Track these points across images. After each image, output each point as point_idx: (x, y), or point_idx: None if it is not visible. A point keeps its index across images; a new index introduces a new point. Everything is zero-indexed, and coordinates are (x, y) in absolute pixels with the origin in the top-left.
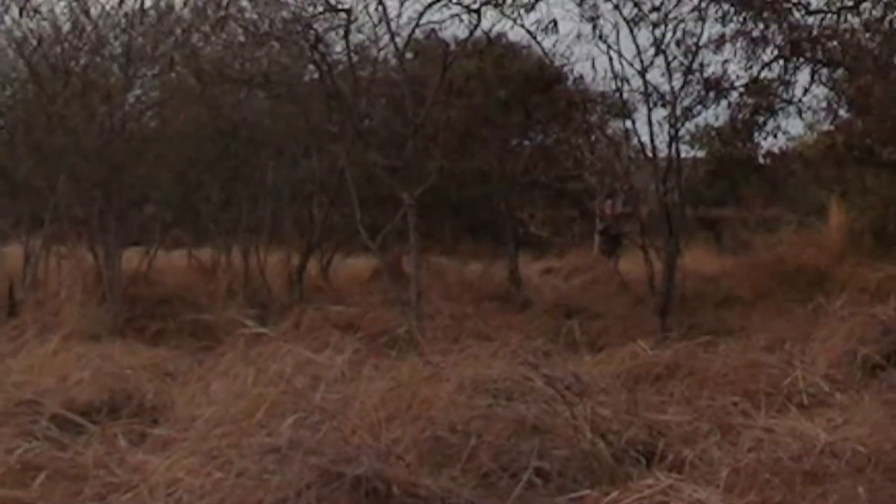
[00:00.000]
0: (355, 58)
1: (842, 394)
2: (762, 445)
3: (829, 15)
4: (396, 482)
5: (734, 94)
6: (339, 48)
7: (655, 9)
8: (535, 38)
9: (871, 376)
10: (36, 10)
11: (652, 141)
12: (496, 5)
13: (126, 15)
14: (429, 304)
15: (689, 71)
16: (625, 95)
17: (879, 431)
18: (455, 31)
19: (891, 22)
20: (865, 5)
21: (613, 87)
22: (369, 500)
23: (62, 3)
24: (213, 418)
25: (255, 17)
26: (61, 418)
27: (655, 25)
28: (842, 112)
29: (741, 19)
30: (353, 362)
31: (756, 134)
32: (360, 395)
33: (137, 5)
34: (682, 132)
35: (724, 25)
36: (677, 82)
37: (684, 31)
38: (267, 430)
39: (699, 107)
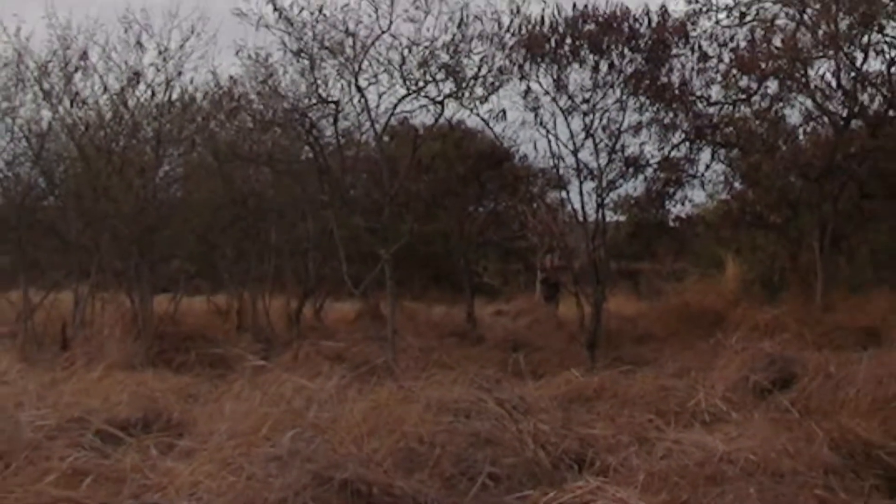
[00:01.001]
0: (342, 140)
1: (736, 413)
2: (672, 454)
3: (726, 106)
4: (376, 484)
5: (649, 170)
6: (329, 133)
7: (585, 101)
8: (487, 124)
9: (760, 398)
10: (84, 102)
11: (583, 207)
12: (456, 98)
13: (157, 105)
14: (402, 340)
15: (612, 151)
16: (561, 171)
17: (767, 443)
18: (423, 118)
19: (775, 112)
20: (755, 98)
21: (551, 163)
22: (354, 499)
23: (104, 96)
24: (227, 432)
25: (260, 107)
26: (104, 432)
27: (585, 114)
28: (736, 184)
29: (655, 109)
30: (341, 387)
31: (667, 202)
32: (346, 414)
33: (166, 98)
34: (607, 201)
35: (640, 114)
36: (603, 160)
37: (609, 119)
38: (271, 442)
39: (621, 180)
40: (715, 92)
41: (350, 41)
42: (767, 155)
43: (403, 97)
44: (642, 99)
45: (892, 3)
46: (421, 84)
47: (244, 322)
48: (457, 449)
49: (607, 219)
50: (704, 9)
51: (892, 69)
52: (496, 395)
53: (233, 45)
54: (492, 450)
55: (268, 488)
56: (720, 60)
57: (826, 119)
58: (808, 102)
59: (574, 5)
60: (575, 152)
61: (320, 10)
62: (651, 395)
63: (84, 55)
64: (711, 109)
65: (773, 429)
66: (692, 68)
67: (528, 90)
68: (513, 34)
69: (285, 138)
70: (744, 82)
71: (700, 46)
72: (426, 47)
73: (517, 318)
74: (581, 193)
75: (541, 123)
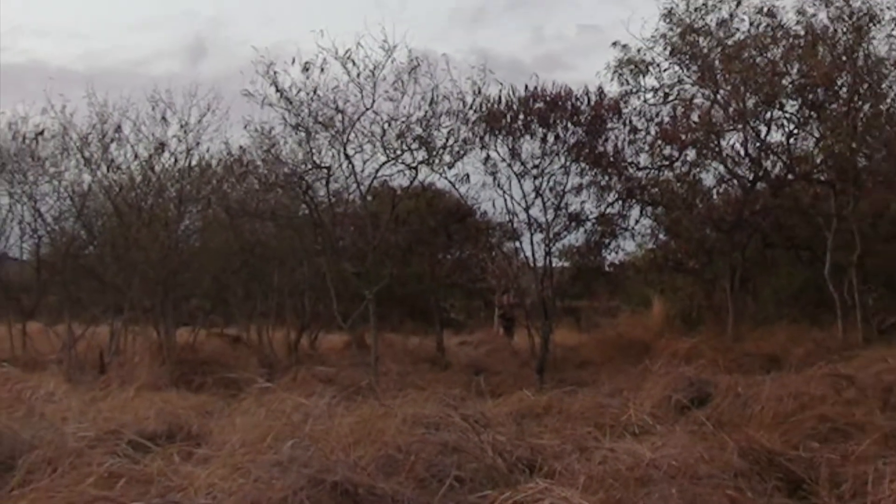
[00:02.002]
0: (333, 199)
1: (661, 426)
2: (607, 460)
3: (652, 170)
4: (361, 486)
5: (588, 224)
6: (322, 193)
7: (535, 166)
8: (454, 186)
9: (680, 414)
10: (118, 167)
11: (533, 255)
12: (428, 164)
13: (179, 170)
14: (383, 365)
15: (558, 208)
16: (515, 225)
17: (686, 451)
18: (400, 181)
19: (693, 175)
20: (676, 164)
21: (507, 218)
22: (343, 499)
23: (135, 162)
24: (238, 442)
25: (265, 171)
26: (135, 442)
27: (535, 177)
28: (661, 236)
29: (593, 173)
30: (331, 405)
31: (603, 250)
32: (335, 427)
33: (186, 164)
34: (553, 249)
35: (581, 177)
36: (550, 216)
37: (555, 181)
38: (273, 450)
39: (565, 232)
40: (643, 159)
41: (339, 117)
42: (687, 211)
43: (384, 163)
44: (583, 165)
45: (790, 86)
46: (398, 152)
47: (251, 351)
48: (428, 456)
49: (554, 264)
50: (634, 90)
51: (791, 140)
52: (461, 411)
53: (242, 120)
54: (457, 457)
55: (271, 489)
56: (647, 133)
57: (735, 181)
58: (721, 168)
59: (526, 87)
60: (527, 209)
61: (314, 91)
62: (590, 411)
63: (118, 128)
64: (640, 173)
65: (691, 439)
66: (624, 139)
67: (488, 157)
68: (475, 111)
69: (286, 197)
70: (667, 151)
71: (631, 121)
72: (403, 122)
73: (479, 347)
74: (532, 243)
75: (498, 185)
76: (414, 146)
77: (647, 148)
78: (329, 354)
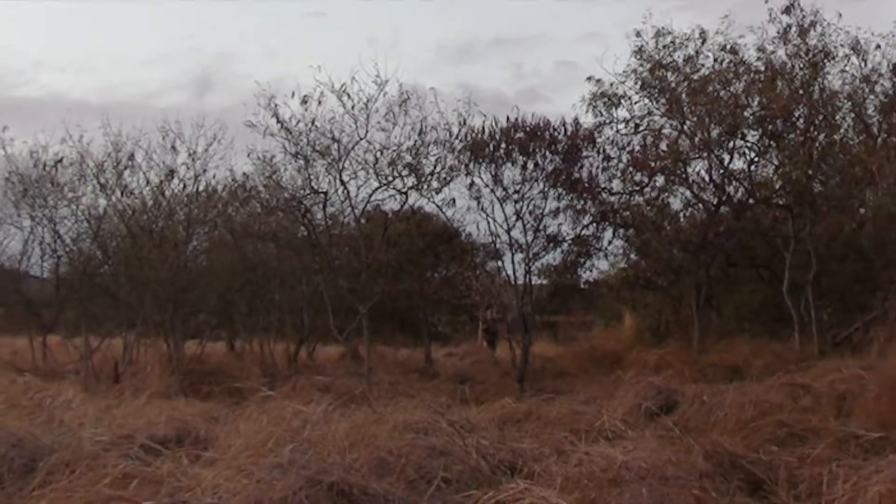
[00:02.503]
0: (330, 222)
1: (632, 431)
2: (583, 463)
3: (624, 195)
4: (356, 486)
5: (565, 245)
6: (319, 216)
7: (516, 192)
8: (441, 209)
9: (650, 420)
10: (131, 192)
11: (514, 273)
12: (417, 189)
13: (187, 195)
14: (375, 375)
15: (537, 230)
16: (497, 245)
17: (655, 454)
18: (392, 205)
19: (662, 200)
20: (646, 189)
21: (490, 240)
22: (339, 498)
23: (147, 188)
24: (241, 446)
25: (267, 196)
26: (147, 446)
27: (516, 202)
28: (632, 256)
29: (569, 198)
30: (328, 412)
31: (578, 269)
32: (332, 432)
33: (194, 189)
34: (532, 268)
35: (558, 202)
36: (530, 237)
37: (534, 205)
38: (274, 454)
39: (543, 252)
40: (615, 185)
41: (335, 146)
42: (656, 233)
43: (376, 189)
44: (560, 190)
45: (751, 117)
46: (390, 179)
47: (254, 362)
48: (417, 459)
49: (533, 282)
50: (607, 121)
51: (752, 167)
52: (447, 418)
53: (245, 148)
54: (444, 459)
55: (272, 489)
56: (619, 160)
57: (701, 206)
58: (687, 193)
59: (507, 118)
60: (508, 231)
61: (312, 122)
62: (566, 418)
63: (131, 156)
64: (613, 198)
65: (660, 443)
66: (598, 166)
67: (472, 183)
68: (460, 140)
69: (286, 220)
70: (638, 177)
71: (604, 150)
72: (394, 150)
73: (464, 358)
74: (513, 262)
75: (482, 209)
76: (404, 173)
77: (619, 174)
78: (326, 365)
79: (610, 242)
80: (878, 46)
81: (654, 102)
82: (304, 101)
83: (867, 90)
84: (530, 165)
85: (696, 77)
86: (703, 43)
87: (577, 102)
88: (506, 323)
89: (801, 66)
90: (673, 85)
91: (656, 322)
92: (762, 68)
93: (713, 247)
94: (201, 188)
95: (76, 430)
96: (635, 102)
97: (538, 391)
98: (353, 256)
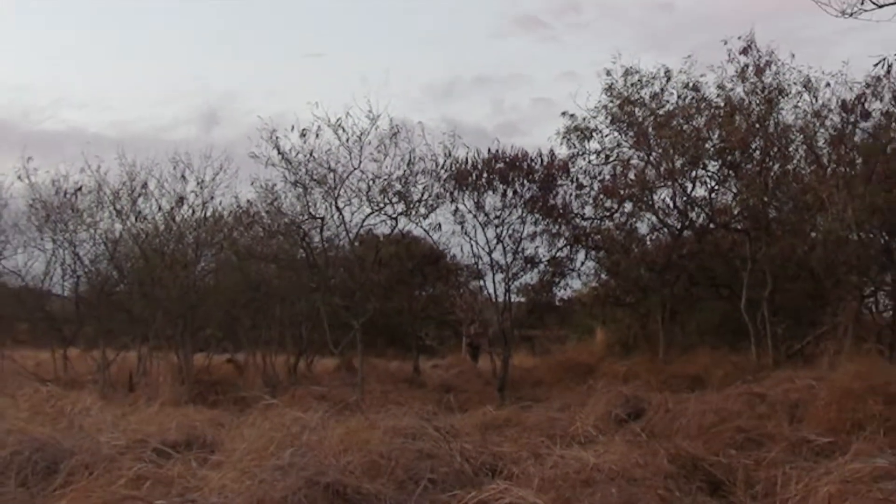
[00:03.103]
0: (326, 245)
1: (603, 436)
2: (558, 465)
3: (595, 220)
4: (350, 487)
5: (541, 266)
6: (316, 239)
7: (497, 217)
8: (428, 233)
9: (619, 426)
10: (144, 218)
11: (495, 292)
12: (406, 215)
13: (196, 220)
14: (368, 385)
15: (515, 252)
16: (479, 266)
17: (624, 457)
18: (383, 229)
19: (630, 225)
20: (616, 215)
21: (473, 261)
22: (335, 498)
23: (159, 214)
24: (245, 450)
25: (268, 221)
26: (159, 450)
27: (497, 226)
28: (602, 275)
29: (545, 223)
30: (324, 418)
31: (554, 288)
32: (328, 437)
33: (202, 215)
34: (512, 287)
35: (535, 227)
36: (509, 259)
37: (513, 230)
38: (276, 457)
39: (521, 273)
40: (588, 210)
41: (331, 175)
42: (624, 255)
43: (369, 214)
44: (537, 216)
45: (712, 149)
46: (381, 205)
47: (257, 373)
48: (406, 461)
49: (512, 300)
50: (580, 152)
51: (712, 195)
52: (434, 424)
53: (249, 177)
54: (431, 462)
55: (273, 489)
56: (591, 188)
57: (666, 230)
58: (653, 218)
59: (488, 150)
60: (489, 253)
61: (310, 154)
62: (543, 424)
63: (145, 185)
64: (585, 223)
65: (628, 447)
66: (572, 194)
67: (457, 209)
68: (446, 170)
69: (286, 243)
70: (608, 204)
71: (577, 179)
72: (385, 180)
73: (449, 369)
74: (493, 282)
75: (465, 233)
76: (394, 200)
77: (591, 201)
78: (322, 376)
79: (582, 263)
80: (828, 84)
81: (623, 135)
82: (303, 135)
83: (818, 124)
84: (509, 193)
85: (661, 112)
86: (667, 81)
87: (552, 135)
88: (487, 337)
89: (758, 102)
90: (640, 119)
91: (625, 336)
92: (722, 104)
93: (677, 267)
94: (209, 214)
95: (94, 435)
96: (606, 135)
97: (517, 399)
98: (347, 276)
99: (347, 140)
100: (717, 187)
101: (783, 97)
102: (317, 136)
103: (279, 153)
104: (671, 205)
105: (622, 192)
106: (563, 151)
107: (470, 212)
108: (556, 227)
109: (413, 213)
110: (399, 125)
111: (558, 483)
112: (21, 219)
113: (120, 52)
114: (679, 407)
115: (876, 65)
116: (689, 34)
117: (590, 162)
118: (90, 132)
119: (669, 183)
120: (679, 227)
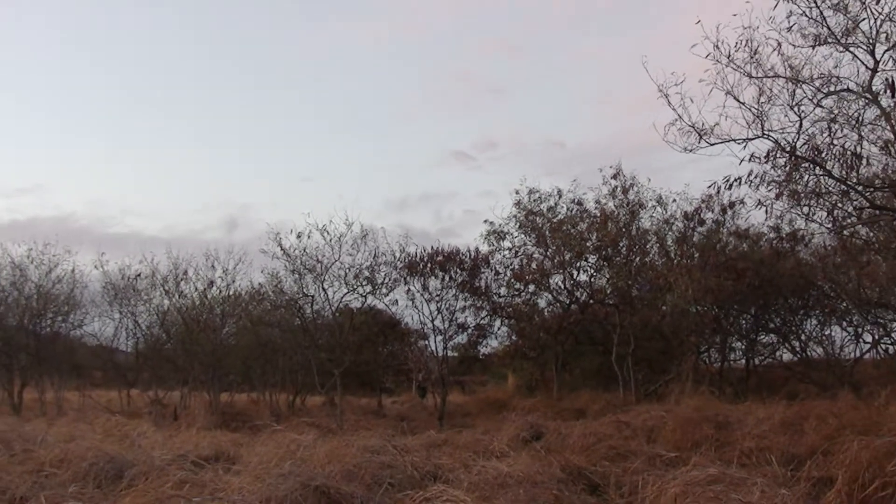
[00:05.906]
0: (315, 315)
1: (513, 452)
2: (482, 473)
3: (508, 297)
4: (332, 489)
5: (469, 330)
6: (308, 311)
7: (438, 295)
8: (388, 307)
9: (525, 445)
10: (185, 295)
11: (436, 348)
12: (373, 294)
13: (222, 297)
14: (345, 416)
15: (451, 320)
16: (425, 330)
17: (528, 467)
18: (356, 304)
19: (533, 301)
20: (523, 294)
21: (420, 326)
22: (322, 497)
23: (196, 293)
24: (257, 462)
25: (274, 298)
26: (195, 462)
27: (437, 302)
28: (513, 337)
29: (472, 300)
30: (314, 440)
31: (478, 346)
32: (317, 453)
33: (226, 293)
34: (448, 345)
35: (465, 302)
36: (446, 325)
37: (449, 304)
38: (279, 467)
39: (455, 335)
40: (503, 291)
41: (319, 265)
42: (528, 322)
43: (346, 293)
44: (466, 294)
45: (591, 247)
46: (355, 287)
47: (265, 406)
48: (373, 470)
49: (448, 354)
50: (497, 249)
51: (592, 279)
52: (392, 443)
53: (260, 267)
54: (390, 470)
55: (278, 490)
56: (505, 275)
57: (558, 304)
58: (549, 296)
59: (432, 247)
60: (432, 321)
61: (304, 250)
62: (470, 443)
63: (185, 272)
64: (501, 300)
65: (531, 460)
66: (491, 279)
67: (409, 290)
68: (401, 262)
69: (287, 314)
70: (517, 286)
71: (495, 268)
72: (357, 269)
73: (403, 404)
74: (435, 342)
75: (415, 306)
76: (364, 283)
77: (504, 284)
78: (312, 409)
79: (499, 328)
80: (675, 200)
81: (528, 237)
82: (299, 236)
83: (667, 229)
84: (447, 278)
85: (555, 220)
86: (559, 197)
87: (477, 237)
88: (431, 381)
89: (624, 213)
90: (540, 225)
91: (529, 380)
92: (598, 214)
93: (566, 331)
94: (231, 293)
95: (149, 451)
96: (515, 237)
97: (452, 426)
98: (330, 337)
99: (330, 240)
100: (595, 274)
101: (642, 209)
102: (308, 237)
103: (282, 249)
104: (562, 286)
105: (527, 277)
106: (484, 248)
107: (418, 291)
108: (480, 302)
109: (377, 292)
110: (367, 229)
111: (481, 486)
112: (97, 297)
113: (168, 174)
114: (567, 431)
115: (709, 187)
116: (575, 164)
117: (504, 256)
118: (147, 234)
119: (561, 271)
120: (568, 302)
